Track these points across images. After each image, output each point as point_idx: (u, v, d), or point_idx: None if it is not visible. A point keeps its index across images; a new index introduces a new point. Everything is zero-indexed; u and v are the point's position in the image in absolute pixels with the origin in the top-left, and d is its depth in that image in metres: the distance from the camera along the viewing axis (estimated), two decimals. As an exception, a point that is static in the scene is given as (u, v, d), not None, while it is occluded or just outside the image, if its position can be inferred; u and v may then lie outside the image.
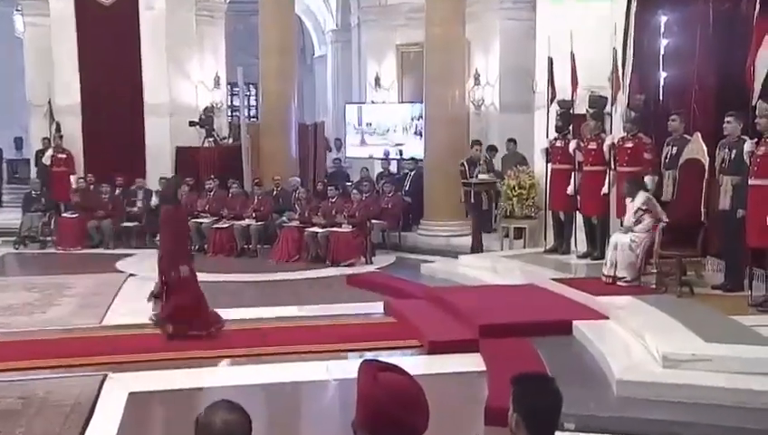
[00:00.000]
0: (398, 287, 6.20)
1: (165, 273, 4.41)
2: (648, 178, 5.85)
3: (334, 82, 12.62)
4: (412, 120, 10.27)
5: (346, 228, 7.74)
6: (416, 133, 10.09)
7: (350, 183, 9.86)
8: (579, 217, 6.52)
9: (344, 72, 12.16)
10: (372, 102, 11.00)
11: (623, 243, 5.19)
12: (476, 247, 7.35)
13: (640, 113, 6.13)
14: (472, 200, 7.51)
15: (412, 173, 9.31)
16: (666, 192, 5.63)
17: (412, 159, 9.59)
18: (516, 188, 7.51)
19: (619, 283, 5.24)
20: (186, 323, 4.43)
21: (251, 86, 12.22)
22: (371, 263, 7.66)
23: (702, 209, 5.09)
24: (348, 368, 4.05)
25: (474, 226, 7.85)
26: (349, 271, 7.22)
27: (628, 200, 5.33)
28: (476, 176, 7.39)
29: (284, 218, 8.33)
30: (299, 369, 4.17)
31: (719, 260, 5.34)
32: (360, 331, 4.98)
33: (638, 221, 5.23)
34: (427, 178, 8.69)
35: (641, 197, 5.26)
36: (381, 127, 10.53)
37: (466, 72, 8.88)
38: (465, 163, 7.58)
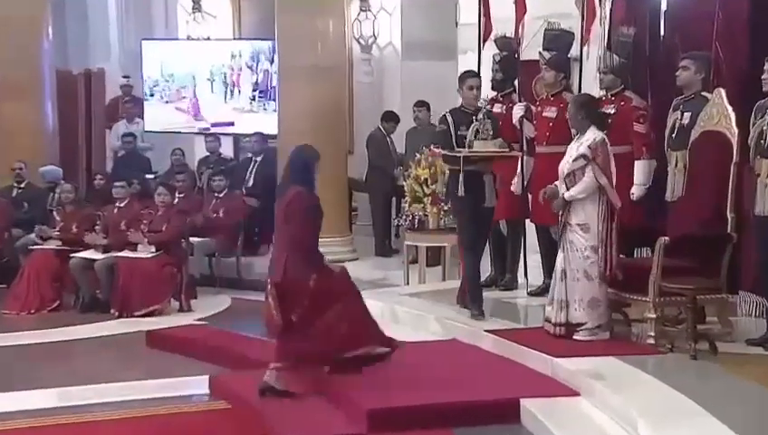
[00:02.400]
0: (235, 350, 6.00)
1: (289, 283, 4.71)
2: (640, 165, 5.95)
3: (121, 5, 11.92)
4: (252, 69, 10.24)
5: (144, 253, 7.47)
6: (261, 95, 10.22)
7: (152, 175, 9.71)
8: (531, 229, 6.58)
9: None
10: (190, 39, 10.81)
11: (575, 262, 5.23)
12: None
13: (629, 58, 6.13)
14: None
15: (258, 159, 9.40)
16: (671, 186, 5.62)
17: (258, 135, 9.59)
18: (429, 184, 7.44)
19: (577, 335, 5.22)
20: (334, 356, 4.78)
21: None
22: (189, 310, 7.52)
23: (728, 214, 5.08)
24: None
25: (377, 241, 8.36)
26: (150, 325, 6.87)
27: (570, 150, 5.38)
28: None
29: (32, 237, 7.91)
30: None
31: (758, 298, 5.35)
32: (167, 429, 4.79)
33: (571, 176, 5.21)
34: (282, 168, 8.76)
35: (592, 134, 5.24)
36: (201, 80, 10.40)
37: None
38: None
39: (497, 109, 6.44)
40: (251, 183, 9.27)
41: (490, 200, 5.91)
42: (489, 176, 5.96)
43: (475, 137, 5.82)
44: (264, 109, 10.21)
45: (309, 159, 5.01)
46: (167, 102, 10.63)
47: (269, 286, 4.79)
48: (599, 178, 5.15)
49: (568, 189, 5.22)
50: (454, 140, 5.86)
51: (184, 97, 10.57)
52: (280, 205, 4.88)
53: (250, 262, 8.77)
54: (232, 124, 10.49)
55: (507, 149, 5.98)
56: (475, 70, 6.40)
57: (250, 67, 10.35)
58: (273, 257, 4.91)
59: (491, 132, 5.82)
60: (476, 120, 5.84)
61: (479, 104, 5.95)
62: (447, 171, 6.17)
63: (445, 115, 5.99)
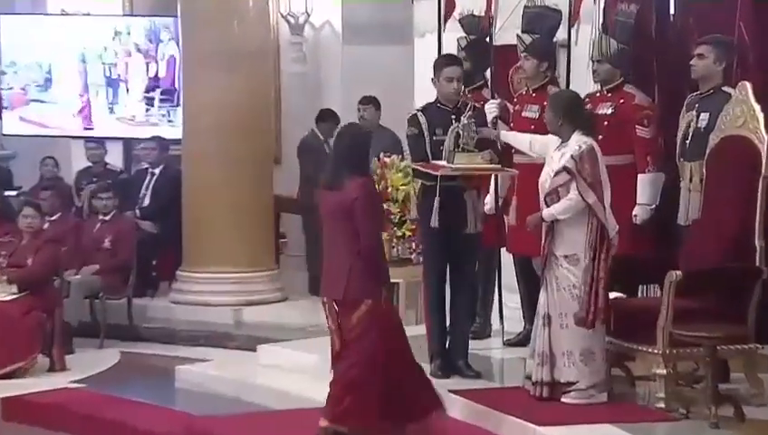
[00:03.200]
0: (121, 422, 6.09)
1: (352, 302, 4.94)
2: (645, 180, 6.04)
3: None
4: (147, 54, 10.04)
5: (4, 294, 7.45)
6: (166, 98, 10.00)
7: (14, 192, 9.71)
8: (508, 261, 6.66)
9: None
10: (64, 13, 10.66)
11: (562, 304, 5.30)
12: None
13: (630, 44, 6.20)
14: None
15: (157, 171, 9.50)
16: (685, 207, 5.74)
17: (156, 140, 9.60)
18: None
19: (567, 397, 5.29)
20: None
21: None
22: (63, 368, 7.50)
23: (757, 242, 5.15)
24: None
25: (312, 276, 8.71)
26: (7, 389, 6.90)
27: (550, 145, 5.51)
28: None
29: None
30: None
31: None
32: None
33: (552, 194, 5.32)
34: (188, 182, 8.88)
35: (577, 141, 5.33)
36: (73, 71, 10.21)
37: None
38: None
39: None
40: (147, 202, 9.33)
41: (473, 225, 5.92)
42: (472, 193, 5.98)
43: (456, 144, 5.85)
44: (170, 120, 9.91)
45: (364, 141, 5.22)
46: (29, 101, 10.38)
47: (327, 308, 5.02)
48: (585, 196, 5.19)
49: (553, 208, 5.31)
50: (428, 148, 5.93)
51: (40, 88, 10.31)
52: (338, 201, 4.98)
53: (145, 305, 8.84)
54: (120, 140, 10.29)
55: (497, 164, 6.00)
56: (455, 54, 6.44)
57: (144, 52, 10.16)
58: (329, 270, 5.05)
59: (474, 136, 5.86)
60: (457, 121, 5.87)
61: (466, 101, 6.03)
62: (419, 186, 6.24)
63: (415, 115, 6.03)
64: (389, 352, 4.94)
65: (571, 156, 5.26)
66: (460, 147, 5.80)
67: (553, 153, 5.40)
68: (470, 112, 5.86)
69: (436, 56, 6.39)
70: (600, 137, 5.80)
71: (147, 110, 10.14)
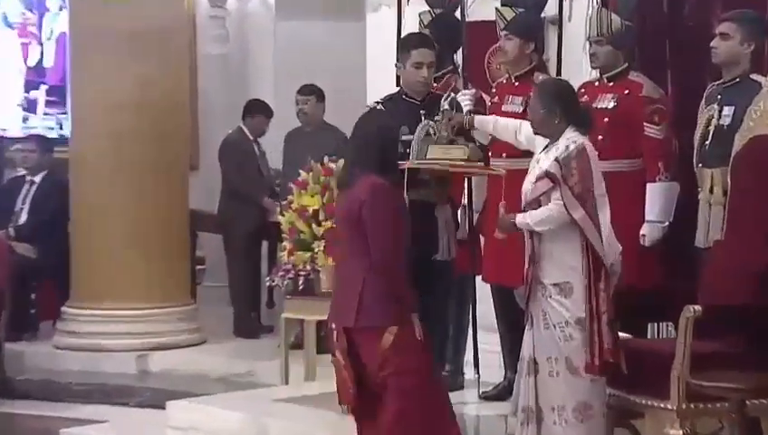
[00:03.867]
0: None
1: (363, 330, 5.06)
2: (656, 191, 6.10)
3: None
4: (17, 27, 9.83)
5: None
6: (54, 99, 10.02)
7: None
8: (485, 293, 6.69)
9: None
10: None
11: (551, 346, 5.32)
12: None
13: (634, 22, 6.30)
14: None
15: (37, 180, 9.58)
16: (704, 224, 5.80)
17: (35, 140, 9.76)
18: (322, 218, 7.40)
19: None
20: None
21: None
22: None
23: None
24: None
25: (238, 313, 8.95)
26: None
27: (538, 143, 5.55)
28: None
29: None
30: None
31: None
32: None
33: (534, 204, 5.38)
34: (77, 194, 9.00)
35: (566, 140, 5.38)
36: None
37: None
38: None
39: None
40: (23, 218, 9.36)
41: (446, 250, 6.01)
42: (444, 210, 6.01)
43: (425, 144, 5.89)
44: (62, 133, 9.78)
45: (389, 135, 5.33)
46: None
47: (335, 336, 5.10)
48: (571, 209, 5.20)
49: (530, 216, 5.37)
50: None
51: None
52: (347, 203, 5.14)
53: (21, 351, 8.85)
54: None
55: (481, 162, 6.01)
56: (426, 33, 6.44)
57: (20, 27, 9.79)
58: (339, 289, 5.23)
59: (450, 131, 5.88)
60: (428, 116, 6.00)
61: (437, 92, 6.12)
62: None
63: (374, 108, 6.12)
64: (433, 393, 5.10)
65: (556, 158, 5.27)
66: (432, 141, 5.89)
67: (539, 154, 5.45)
68: (449, 99, 5.92)
69: (397, 35, 6.41)
70: (600, 137, 5.83)
71: (24, 119, 10.03)
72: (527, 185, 5.40)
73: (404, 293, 5.08)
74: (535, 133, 5.52)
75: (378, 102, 6.10)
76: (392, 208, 5.09)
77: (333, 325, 5.14)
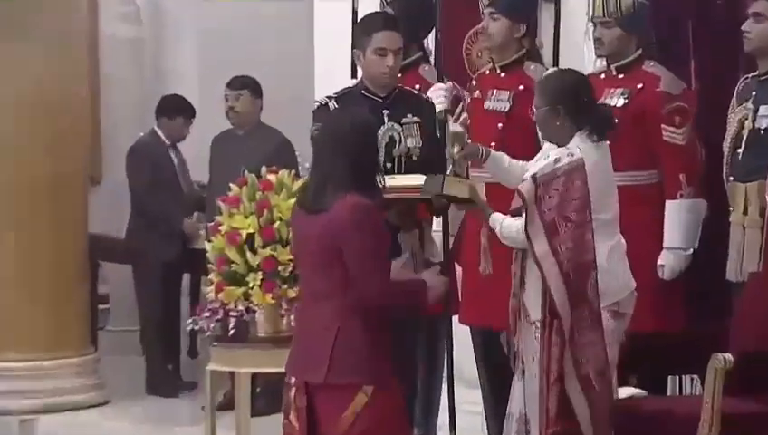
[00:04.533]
0: None
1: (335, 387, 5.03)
2: (676, 210, 6.21)
3: None
4: None
5: None
6: None
7: None
8: (464, 338, 6.73)
9: None
10: None
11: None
12: None
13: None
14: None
15: None
16: (737, 254, 5.88)
17: None
18: (259, 244, 7.27)
19: None
20: None
21: None
22: None
23: None
24: None
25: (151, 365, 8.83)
26: None
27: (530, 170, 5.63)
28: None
29: None
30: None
31: None
32: None
33: (513, 214, 5.53)
34: None
35: (558, 153, 5.49)
36: None
37: None
38: None
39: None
40: None
41: None
42: (412, 236, 6.05)
43: (390, 157, 5.95)
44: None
45: (369, 137, 5.30)
46: None
47: (292, 394, 5.09)
48: (533, 239, 5.33)
49: (502, 223, 5.54)
50: None
51: None
52: (318, 229, 5.10)
53: None
54: None
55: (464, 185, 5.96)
56: (391, 12, 6.47)
57: None
58: (303, 336, 5.21)
59: (419, 143, 5.93)
60: (393, 119, 6.04)
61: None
62: None
63: (326, 106, 6.16)
64: None
65: (533, 176, 5.37)
66: (396, 160, 5.90)
67: (537, 157, 5.58)
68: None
69: (353, 15, 6.49)
70: (606, 143, 5.89)
71: None
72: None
73: (387, 344, 5.07)
74: (543, 138, 5.59)
75: (330, 98, 6.08)
76: (381, 236, 5.09)
77: (293, 379, 5.12)
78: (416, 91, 6.23)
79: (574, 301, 5.31)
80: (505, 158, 6.04)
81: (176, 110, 9.34)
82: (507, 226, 5.46)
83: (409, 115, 5.96)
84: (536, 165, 5.49)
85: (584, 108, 5.50)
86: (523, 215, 5.34)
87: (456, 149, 5.99)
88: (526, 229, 5.28)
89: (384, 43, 5.93)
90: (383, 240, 5.09)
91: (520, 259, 5.44)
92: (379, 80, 5.98)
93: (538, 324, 5.37)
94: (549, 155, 5.42)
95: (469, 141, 6.06)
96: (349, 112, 5.44)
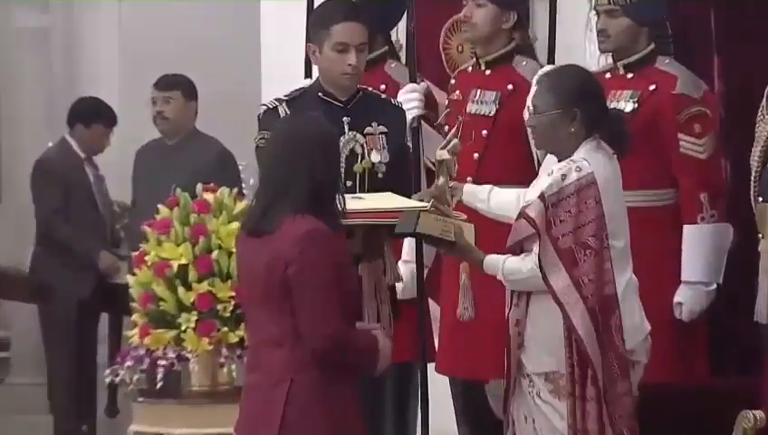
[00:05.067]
0: None
1: None
2: (697, 236, 6.31)
3: None
4: None
5: None
6: None
7: None
8: (441, 390, 6.83)
9: None
10: None
11: None
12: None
13: None
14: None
15: None
16: None
17: None
18: (194, 278, 7.45)
19: None
20: None
21: None
22: None
23: None
24: None
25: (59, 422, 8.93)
26: None
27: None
28: None
29: None
30: None
31: None
32: None
33: (516, 248, 5.58)
34: None
35: (563, 168, 5.47)
36: None
37: None
38: None
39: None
40: None
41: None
42: (375, 267, 6.04)
43: (351, 174, 5.97)
44: None
45: (330, 150, 5.30)
46: None
47: None
48: (549, 273, 5.33)
49: (504, 264, 5.50)
50: None
51: None
52: (265, 257, 5.08)
53: None
54: None
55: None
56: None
57: None
58: (251, 388, 5.18)
59: (386, 157, 5.94)
60: (355, 128, 6.06)
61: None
62: None
63: (275, 110, 6.16)
64: None
65: (542, 194, 5.36)
66: (358, 177, 5.92)
67: (540, 174, 5.59)
68: (452, 145, 5.86)
69: (308, 4, 6.56)
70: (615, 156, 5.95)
71: None
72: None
73: (350, 400, 5.09)
74: (538, 147, 5.57)
75: (279, 101, 6.07)
76: (338, 267, 5.06)
77: None
78: (383, 96, 6.21)
79: (602, 344, 5.31)
80: (483, 189, 6.01)
81: (93, 115, 9.31)
82: (513, 268, 5.45)
83: (375, 124, 5.95)
84: (537, 185, 5.49)
85: (604, 113, 5.51)
86: (535, 247, 5.33)
87: (441, 180, 5.90)
88: (540, 264, 5.28)
89: (345, 37, 5.93)
90: (341, 277, 5.06)
91: (525, 303, 5.43)
92: (338, 81, 5.97)
93: (534, 378, 5.38)
94: (552, 171, 5.41)
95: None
96: (305, 118, 5.41)
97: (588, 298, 5.24)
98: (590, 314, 5.25)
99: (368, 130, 5.91)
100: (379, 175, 5.93)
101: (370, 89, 6.36)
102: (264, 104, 6.14)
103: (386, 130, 5.93)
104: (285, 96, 6.12)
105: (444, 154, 5.88)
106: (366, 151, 5.89)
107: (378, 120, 5.96)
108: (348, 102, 5.97)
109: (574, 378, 5.26)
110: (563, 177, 5.31)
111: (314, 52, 6.04)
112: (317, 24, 6.05)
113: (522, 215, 5.35)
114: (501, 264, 5.42)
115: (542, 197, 5.30)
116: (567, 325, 5.26)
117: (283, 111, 6.05)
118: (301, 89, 6.16)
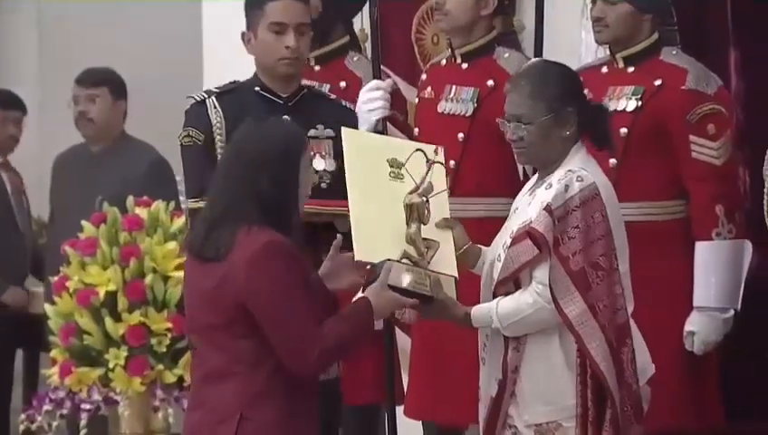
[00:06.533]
0: None
1: None
2: (712, 254, 6.40)
3: None
4: None
5: None
6: None
7: None
8: (409, 430, 7.13)
9: None
10: None
11: None
12: None
13: None
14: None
15: None
16: None
17: None
18: (123, 307, 7.61)
19: None
20: None
21: None
22: None
23: None
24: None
25: None
26: None
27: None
28: None
29: None
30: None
31: None
32: None
33: (507, 282, 5.53)
34: None
35: (565, 169, 5.50)
36: None
37: None
38: None
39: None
40: None
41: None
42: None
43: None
44: None
45: (291, 154, 5.28)
46: None
47: None
48: (562, 301, 5.29)
49: (498, 309, 5.43)
50: None
51: None
52: (213, 282, 5.09)
53: None
54: None
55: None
56: None
57: None
58: (196, 424, 5.21)
59: (332, 165, 6.10)
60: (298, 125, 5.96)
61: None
62: None
63: (202, 104, 6.24)
64: None
65: (548, 206, 5.30)
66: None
67: (521, 197, 5.55)
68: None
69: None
70: (611, 162, 6.12)
71: None
72: (497, 250, 5.46)
73: (315, 416, 5.15)
74: (525, 163, 5.61)
75: (208, 93, 6.12)
76: (301, 285, 5.05)
77: None
78: (332, 96, 6.24)
79: (619, 380, 5.30)
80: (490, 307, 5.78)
81: (7, 109, 9.28)
82: (510, 310, 5.37)
83: (320, 126, 6.02)
84: (534, 199, 5.42)
85: (597, 110, 5.50)
86: (539, 269, 5.28)
87: (413, 228, 5.78)
88: (552, 291, 5.22)
89: (281, 15, 5.97)
90: (302, 291, 5.04)
91: (524, 346, 5.34)
92: (275, 68, 6.01)
93: (522, 431, 5.38)
94: (551, 183, 5.33)
95: (449, 215, 5.86)
96: (273, 123, 5.35)
97: (605, 327, 5.24)
98: (608, 345, 5.24)
99: (312, 132, 5.97)
100: (323, 186, 5.99)
101: (327, 87, 6.42)
102: (192, 96, 6.22)
103: (333, 134, 5.95)
104: (217, 88, 6.18)
105: (413, 198, 5.78)
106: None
107: (324, 122, 6.03)
108: (289, 100, 6.08)
109: (587, 421, 5.25)
110: (567, 187, 5.28)
111: (249, 39, 6.09)
112: (252, 3, 6.12)
113: (526, 234, 5.27)
114: (494, 310, 5.36)
115: (548, 209, 5.28)
116: (581, 360, 5.25)
117: (211, 104, 6.09)
118: (234, 82, 6.17)
